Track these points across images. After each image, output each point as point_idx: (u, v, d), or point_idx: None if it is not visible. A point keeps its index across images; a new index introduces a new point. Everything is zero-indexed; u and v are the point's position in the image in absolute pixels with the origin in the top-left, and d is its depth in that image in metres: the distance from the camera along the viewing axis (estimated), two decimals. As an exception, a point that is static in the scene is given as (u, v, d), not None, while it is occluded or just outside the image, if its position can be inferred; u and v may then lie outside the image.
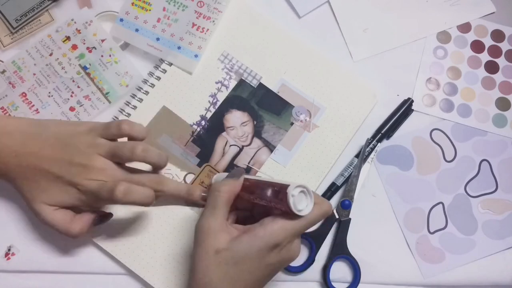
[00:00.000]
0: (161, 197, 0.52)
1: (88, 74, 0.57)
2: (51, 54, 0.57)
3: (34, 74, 0.57)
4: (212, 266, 0.43)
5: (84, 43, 0.57)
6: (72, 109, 0.57)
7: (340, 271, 0.55)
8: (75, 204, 0.48)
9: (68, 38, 0.58)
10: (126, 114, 0.57)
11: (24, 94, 0.57)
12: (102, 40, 0.58)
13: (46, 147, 0.48)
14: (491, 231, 0.57)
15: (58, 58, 0.57)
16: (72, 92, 0.57)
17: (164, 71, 0.58)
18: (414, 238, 0.56)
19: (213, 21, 0.59)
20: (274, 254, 0.43)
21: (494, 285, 0.57)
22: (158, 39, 0.58)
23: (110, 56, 0.58)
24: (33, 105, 0.57)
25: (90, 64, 0.57)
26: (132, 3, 0.59)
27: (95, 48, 0.57)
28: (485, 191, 0.59)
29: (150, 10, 0.59)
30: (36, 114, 0.56)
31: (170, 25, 0.59)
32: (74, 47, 0.58)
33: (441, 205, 0.58)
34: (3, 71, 0.57)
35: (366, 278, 0.55)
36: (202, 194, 0.54)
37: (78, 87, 0.57)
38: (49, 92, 0.57)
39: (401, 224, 0.57)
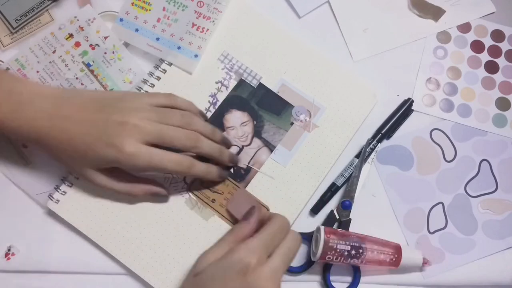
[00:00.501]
0: (197, 153, 0.51)
1: (91, 71, 0.57)
2: (54, 52, 0.57)
3: (38, 71, 0.57)
4: None
5: (87, 41, 0.58)
6: (74, 107, 0.57)
7: (340, 271, 0.55)
8: (117, 165, 0.48)
9: (71, 35, 0.58)
10: (126, 114, 0.57)
11: (27, 92, 0.57)
12: (105, 37, 0.58)
13: (82, 109, 0.48)
14: (491, 231, 0.57)
15: (61, 56, 0.57)
16: (76, 90, 0.57)
17: (164, 71, 0.58)
18: (414, 238, 0.56)
19: (213, 21, 0.59)
20: (239, 280, 0.42)
21: (494, 285, 0.57)
22: (158, 39, 0.58)
23: (113, 53, 0.58)
24: (35, 104, 0.57)
25: (93, 61, 0.57)
26: (132, 3, 0.59)
27: (98, 45, 0.58)
28: (485, 191, 0.59)
29: (150, 10, 0.59)
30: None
31: (170, 25, 0.59)
32: (77, 44, 0.58)
33: (441, 205, 0.58)
34: (7, 69, 0.57)
35: (366, 278, 0.55)
36: (230, 154, 0.55)
37: (82, 84, 0.57)
38: None
39: (401, 224, 0.57)
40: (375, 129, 0.59)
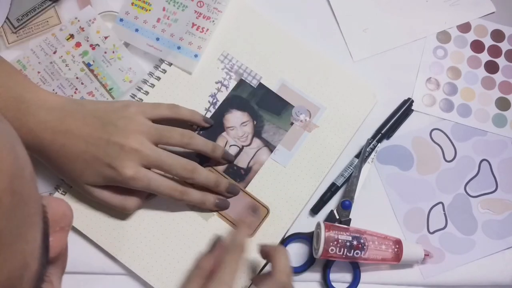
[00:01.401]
0: (192, 183, 0.51)
1: (91, 71, 0.57)
2: (55, 52, 0.57)
3: (39, 72, 0.57)
4: None
5: (87, 41, 0.58)
6: (74, 106, 0.57)
7: (340, 271, 0.55)
8: (114, 184, 0.49)
9: (71, 36, 0.58)
10: (126, 114, 0.57)
11: (28, 92, 0.57)
12: (105, 37, 0.58)
13: (84, 125, 0.48)
14: (491, 231, 0.57)
15: (62, 56, 0.57)
16: (76, 89, 0.57)
17: (164, 71, 0.58)
18: (414, 238, 0.56)
19: (213, 21, 0.59)
20: None
21: (494, 285, 0.57)
22: (158, 39, 0.58)
23: (113, 52, 0.58)
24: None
25: (93, 61, 0.58)
26: (132, 3, 0.59)
27: (98, 45, 0.58)
28: (485, 191, 0.59)
29: (150, 10, 0.59)
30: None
31: (170, 25, 0.59)
32: (78, 44, 0.58)
33: (441, 205, 0.58)
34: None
35: (366, 278, 0.55)
36: (228, 184, 0.54)
37: (82, 83, 0.57)
38: (53, 90, 0.57)
39: (401, 224, 0.57)
40: (375, 129, 0.59)
